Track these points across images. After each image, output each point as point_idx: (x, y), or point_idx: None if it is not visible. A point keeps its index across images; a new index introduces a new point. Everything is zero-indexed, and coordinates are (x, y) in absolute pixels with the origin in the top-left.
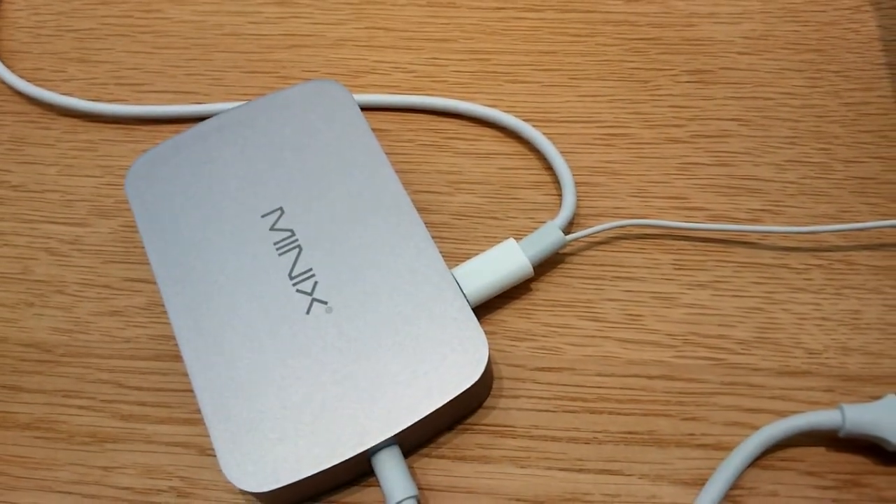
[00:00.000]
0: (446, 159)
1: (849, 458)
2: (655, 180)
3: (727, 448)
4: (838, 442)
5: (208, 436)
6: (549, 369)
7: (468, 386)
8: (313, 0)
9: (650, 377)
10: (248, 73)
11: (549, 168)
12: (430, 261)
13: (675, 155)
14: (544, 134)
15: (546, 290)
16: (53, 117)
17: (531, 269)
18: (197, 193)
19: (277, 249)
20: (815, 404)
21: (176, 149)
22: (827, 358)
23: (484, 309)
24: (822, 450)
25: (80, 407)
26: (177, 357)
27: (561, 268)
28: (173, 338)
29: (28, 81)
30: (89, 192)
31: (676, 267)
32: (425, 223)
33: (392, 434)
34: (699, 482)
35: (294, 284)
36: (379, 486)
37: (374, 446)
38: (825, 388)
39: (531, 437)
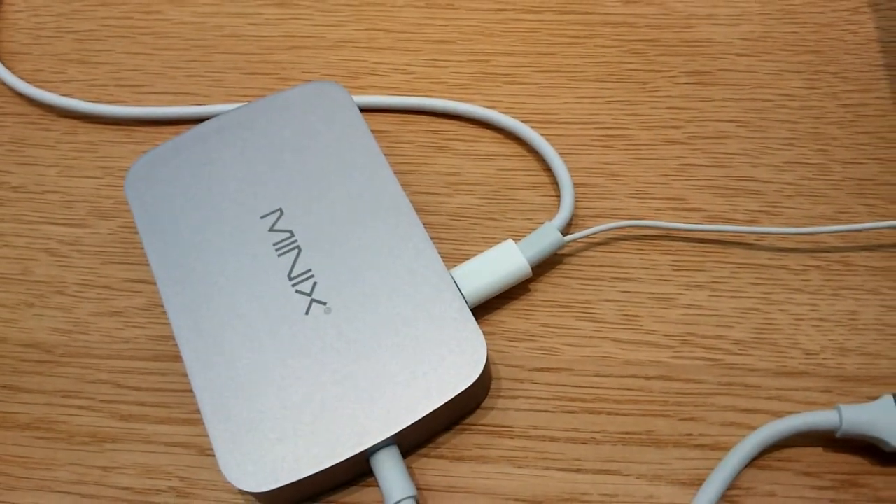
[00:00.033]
0: (445, 160)
1: (846, 459)
2: (653, 181)
3: (724, 448)
4: (835, 442)
5: (207, 436)
6: (548, 370)
7: (466, 386)
8: (313, 2)
9: (648, 378)
10: (248, 74)
11: (547, 169)
12: (429, 261)
13: (673, 156)
14: (543, 135)
15: (544, 291)
16: (53, 118)
17: (529, 270)
18: (196, 194)
19: (277, 250)
20: (812, 405)
21: (175, 150)
22: (824, 358)
23: (482, 309)
24: (819, 450)
25: (80, 407)
26: (176, 357)
27: (559, 269)
28: (173, 338)
29: (28, 83)
30: (89, 193)
31: (674, 268)
32: (424, 224)
33: (391, 434)
34: (697, 482)
35: (293, 285)
36: (377, 486)
37: (372, 446)
38: (822, 388)
39: (529, 438)
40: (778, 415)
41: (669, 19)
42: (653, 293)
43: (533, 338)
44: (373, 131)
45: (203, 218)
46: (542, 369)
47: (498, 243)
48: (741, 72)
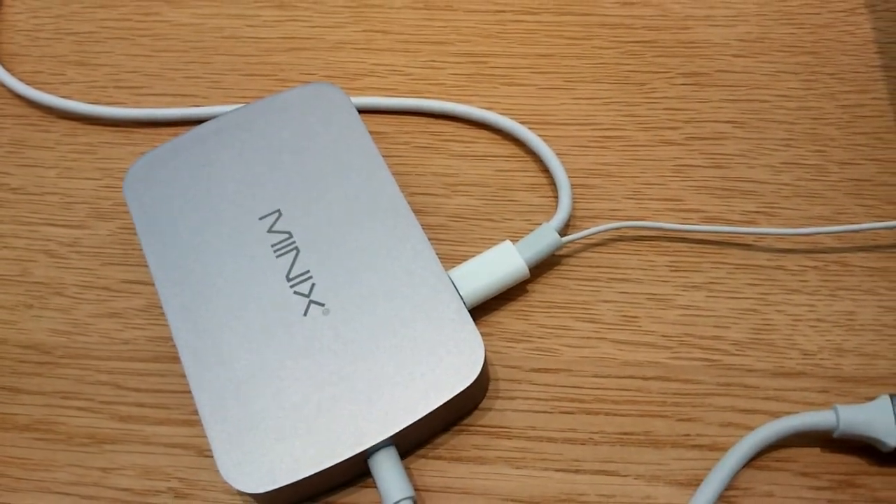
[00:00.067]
0: (443, 161)
1: (843, 459)
2: (651, 182)
3: (722, 449)
4: (833, 443)
5: (206, 437)
6: (546, 370)
7: (464, 387)
8: (311, 3)
9: (646, 378)
10: (247, 75)
11: (545, 170)
12: (427, 263)
13: (670, 157)
14: (540, 136)
15: (542, 292)
16: (53, 120)
17: (527, 271)
18: (195, 196)
19: (275, 251)
20: (809, 405)
21: (174, 151)
22: (822, 359)
23: (480, 310)
24: (816, 450)
25: (79, 408)
26: (175, 359)
27: (557, 269)
28: (171, 339)
29: (27, 84)
30: (88, 194)
31: (672, 268)
32: (422, 225)
33: (389, 435)
34: (694, 483)
35: (291, 286)
36: (375, 486)
37: (370, 447)
38: (820, 388)
39: (527, 438)
40: (775, 415)
41: (667, 21)
42: (650, 294)
43: (531, 339)
44: (371, 132)
45: (201, 219)
46: (540, 370)
47: (496, 244)
48: (738, 73)
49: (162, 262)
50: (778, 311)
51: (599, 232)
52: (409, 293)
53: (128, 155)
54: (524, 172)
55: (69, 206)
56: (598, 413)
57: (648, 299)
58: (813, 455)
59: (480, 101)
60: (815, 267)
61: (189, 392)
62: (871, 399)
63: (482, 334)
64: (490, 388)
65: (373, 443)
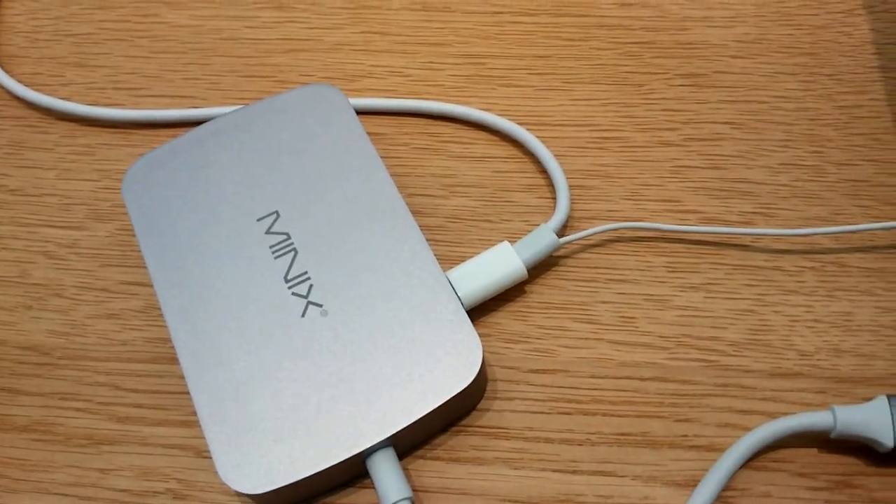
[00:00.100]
0: (441, 163)
1: (840, 460)
2: (649, 183)
3: (719, 449)
4: (830, 443)
5: (204, 438)
6: (543, 371)
7: (462, 388)
8: (310, 5)
9: (643, 379)
10: (246, 77)
11: (543, 171)
12: (425, 263)
13: (668, 158)
14: (538, 137)
15: (540, 293)
16: (51, 121)
17: (525, 272)
18: (193, 197)
19: (273, 253)
20: (806, 406)
21: (173, 153)
22: (819, 360)
23: (478, 311)
24: (813, 451)
25: (77, 409)
26: (173, 360)
27: (555, 270)
28: (170, 340)
29: (26, 86)
30: (87, 195)
31: (669, 269)
32: (420, 226)
33: (387, 436)
34: (692, 483)
35: (289, 287)
36: (373, 487)
37: (368, 448)
38: (817, 389)
39: (525, 439)
40: (773, 416)
41: (664, 22)
42: (648, 295)
43: (529, 339)
44: (369, 134)
45: (200, 220)
46: (537, 371)
47: (494, 245)
48: (736, 74)
49: (160, 264)
50: (775, 311)
51: (597, 233)
52: (407, 294)
53: (126, 156)
54: (522, 173)
55: (68, 208)
56: (595, 414)
57: (646, 300)
58: (810, 456)
59: (479, 102)
60: (812, 268)
61: (187, 393)
62: (868, 400)
63: (480, 335)
64: (488, 388)
65: (371, 443)
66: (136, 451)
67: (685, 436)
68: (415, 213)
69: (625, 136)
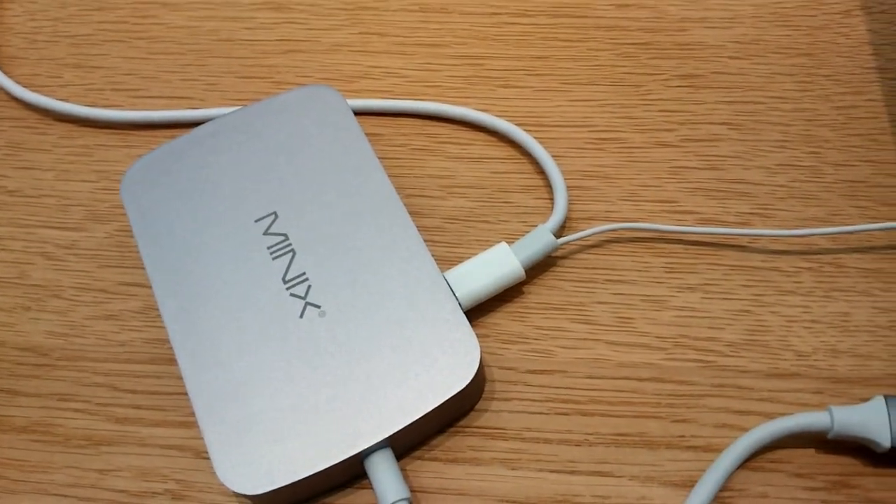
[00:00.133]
0: (439, 163)
1: (838, 460)
2: (646, 184)
3: (717, 450)
4: (827, 443)
5: (203, 438)
6: (541, 372)
7: (460, 388)
8: (307, 6)
9: (640, 379)
10: (243, 78)
11: (540, 172)
12: (423, 264)
13: (665, 159)
14: (536, 138)
15: (538, 294)
16: (50, 123)
17: (523, 273)
18: (192, 198)
19: (271, 254)
20: (804, 406)
21: (171, 154)
22: (816, 360)
23: (476, 312)
24: (811, 451)
25: (76, 410)
26: (171, 360)
27: (552, 271)
28: (168, 341)
29: (25, 87)
30: (85, 196)
31: (667, 270)
32: (418, 227)
33: (385, 436)
34: (689, 484)
35: (288, 288)
36: (371, 488)
37: (366, 448)
38: (814, 389)
39: (523, 440)
40: (770, 416)
41: (662, 22)
42: (646, 295)
43: (526, 340)
44: (367, 134)
45: (198, 221)
46: (535, 371)
47: (491, 246)
48: (733, 75)
49: (158, 265)
50: (772, 312)
51: (595, 233)
52: (405, 295)
53: (125, 157)
54: (520, 174)
55: (66, 209)
56: (593, 414)
57: (643, 300)
58: (807, 456)
59: (476, 103)
60: (809, 268)
61: (185, 394)
62: (865, 400)
63: (478, 336)
64: (486, 389)
65: (369, 444)
66: (135, 452)
67: (682, 436)
68: (413, 213)
69: (622, 136)
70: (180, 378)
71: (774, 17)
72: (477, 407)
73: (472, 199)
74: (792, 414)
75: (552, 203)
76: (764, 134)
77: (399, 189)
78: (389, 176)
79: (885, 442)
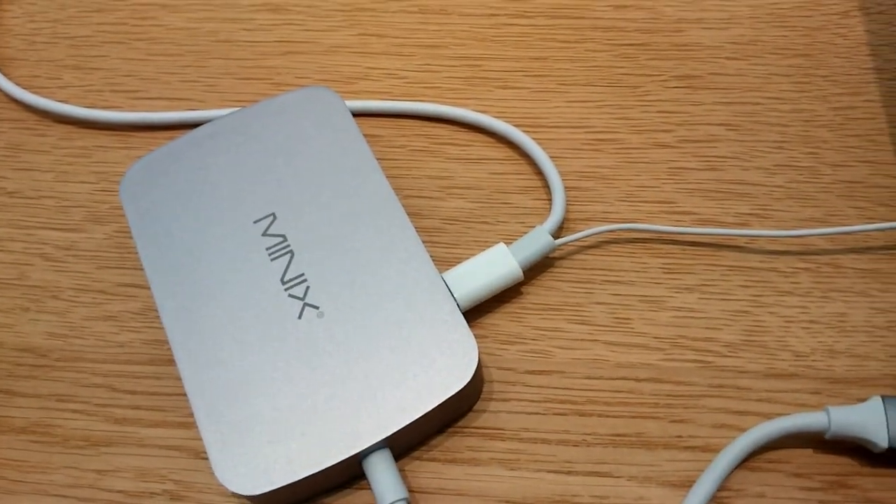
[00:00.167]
0: (437, 164)
1: (835, 460)
2: (644, 185)
3: (714, 450)
4: (825, 444)
5: (201, 439)
6: (539, 372)
7: (458, 389)
8: (306, 7)
9: (638, 380)
10: (242, 79)
11: (539, 173)
12: (421, 265)
13: (663, 160)
14: (534, 139)
15: (536, 294)
16: (49, 124)
17: (521, 274)
18: (190, 199)
19: (270, 255)
20: (801, 406)
21: (170, 155)
22: (814, 360)
23: (474, 313)
24: (808, 451)
25: (75, 411)
26: (170, 361)
27: (551, 272)
28: (167, 342)
29: (24, 88)
30: (84, 198)
31: (665, 270)
32: (416, 228)
33: (383, 437)
34: (687, 484)
35: (286, 289)
36: (370, 488)
37: (365, 449)
38: (812, 390)
39: (521, 440)
40: (768, 416)
41: (660, 23)
42: (644, 296)
43: (524, 340)
44: (365, 136)
45: (197, 222)
46: (533, 372)
47: (490, 247)
48: (731, 75)
49: (157, 266)
50: (770, 312)
51: (593, 234)
52: (404, 295)
53: (124, 159)
54: (518, 175)
55: (65, 210)
56: (590, 415)
57: (641, 301)
58: (805, 456)
59: (475, 104)
60: (807, 269)
61: (184, 394)
62: (862, 400)
63: (476, 336)
64: (484, 389)
65: (367, 445)
66: (134, 453)
67: (680, 436)
68: (411, 214)
69: (620, 137)
70: (179, 379)
71: (771, 17)
72: (475, 407)
73: (471, 200)
74: (789, 414)
75: (550, 204)
76: (762, 135)
77: (398, 190)
78: (388, 177)
79: (883, 442)
